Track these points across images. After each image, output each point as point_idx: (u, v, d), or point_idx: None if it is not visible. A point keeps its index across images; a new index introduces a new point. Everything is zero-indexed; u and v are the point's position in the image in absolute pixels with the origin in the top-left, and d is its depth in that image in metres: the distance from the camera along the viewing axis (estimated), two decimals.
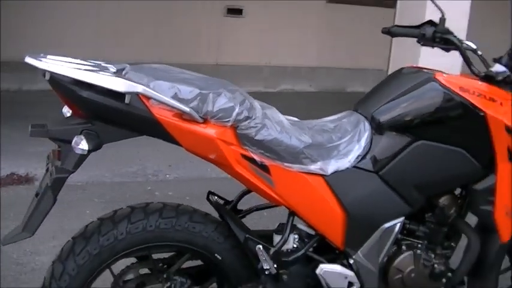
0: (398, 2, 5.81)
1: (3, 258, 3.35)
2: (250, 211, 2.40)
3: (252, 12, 8.58)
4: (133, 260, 2.23)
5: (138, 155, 5.26)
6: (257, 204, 2.45)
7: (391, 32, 2.83)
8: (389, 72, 5.36)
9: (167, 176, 5.01)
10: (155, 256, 2.22)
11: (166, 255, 2.27)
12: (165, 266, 2.22)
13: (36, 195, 1.95)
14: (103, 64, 1.92)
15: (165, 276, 2.13)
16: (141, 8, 7.88)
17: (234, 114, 1.95)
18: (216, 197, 2.33)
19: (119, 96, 1.81)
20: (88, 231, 2.04)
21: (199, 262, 2.29)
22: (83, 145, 1.80)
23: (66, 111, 2.00)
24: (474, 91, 2.33)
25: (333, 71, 9.06)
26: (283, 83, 8.72)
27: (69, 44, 7.25)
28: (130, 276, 2.19)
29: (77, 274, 2.01)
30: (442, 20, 2.56)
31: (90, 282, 2.07)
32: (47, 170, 1.98)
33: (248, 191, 2.39)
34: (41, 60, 1.79)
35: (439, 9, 2.53)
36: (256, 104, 2.06)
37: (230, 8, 8.47)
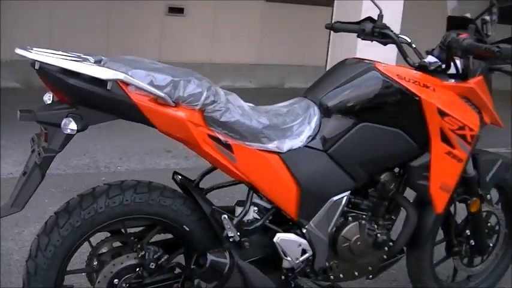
0: (335, 1, 6.08)
1: None
2: (211, 189, 2.63)
3: (193, 11, 8.74)
4: (107, 235, 2.45)
5: (88, 149, 5.39)
6: (217, 183, 2.69)
7: (334, 27, 3.11)
8: (328, 68, 5.67)
9: (118, 167, 5.18)
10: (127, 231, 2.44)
11: (136, 230, 2.47)
12: (136, 240, 2.43)
13: (24, 174, 2.15)
14: (83, 56, 2.12)
15: (139, 246, 2.35)
16: (84, 6, 7.97)
17: (202, 98, 2.19)
18: (180, 177, 2.57)
19: (101, 83, 2.03)
20: (70, 206, 2.25)
21: (166, 236, 2.52)
22: (72, 125, 2.01)
23: (47, 98, 2.17)
24: (410, 78, 2.61)
25: (272, 67, 9.30)
26: (224, 79, 8.90)
27: (20, 41, 7.33)
28: (105, 249, 2.40)
29: (61, 245, 2.20)
30: (380, 16, 2.85)
31: (72, 254, 2.27)
32: (33, 151, 2.17)
33: (209, 171, 2.63)
34: (31, 52, 1.99)
35: (377, 6, 2.81)
36: (220, 90, 2.30)
37: (171, 6, 8.63)
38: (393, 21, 5.21)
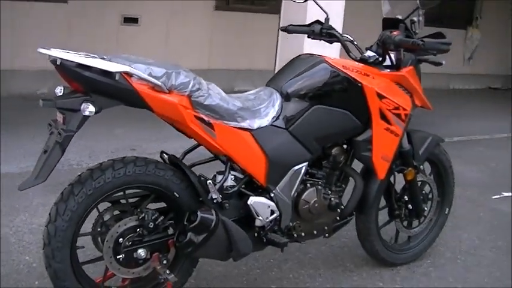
0: (282, 8, 6.56)
1: None
2: (192, 165, 3.10)
3: (146, 21, 9.11)
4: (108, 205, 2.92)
5: None
6: (197, 161, 3.18)
7: (288, 29, 3.64)
8: (277, 69, 6.17)
9: (90, 164, 5.59)
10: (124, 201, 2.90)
11: (133, 200, 2.92)
12: (134, 208, 2.89)
13: (45, 152, 2.60)
14: (90, 54, 2.60)
15: (138, 210, 2.83)
16: (41, 15, 8.27)
17: (190, 86, 2.70)
18: (166, 155, 3.04)
19: (110, 75, 2.50)
20: (82, 178, 2.70)
21: (158, 207, 2.99)
22: (91, 108, 2.49)
23: (58, 91, 2.58)
24: (353, 69, 3.19)
25: (222, 72, 9.61)
26: None
27: None
28: (107, 216, 2.86)
29: (76, 210, 2.65)
30: (327, 19, 3.41)
31: (84, 218, 2.73)
32: (51, 133, 2.62)
33: (190, 150, 3.13)
34: (50, 50, 2.48)
35: (323, 10, 3.36)
36: (202, 80, 2.81)
37: (126, 17, 8.99)
38: (334, 21, 5.73)
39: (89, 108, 2.50)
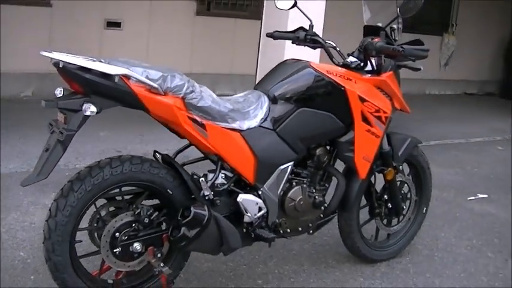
0: (263, 14, 6.69)
1: None
2: (183, 165, 3.24)
3: (129, 25, 9.21)
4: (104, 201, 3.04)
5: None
6: (186, 161, 3.31)
7: (274, 35, 3.78)
8: (258, 76, 6.31)
9: (77, 165, 5.68)
10: (119, 198, 3.03)
11: (128, 197, 3.06)
12: (128, 204, 3.02)
13: (46, 150, 2.73)
14: (89, 57, 2.72)
15: (134, 206, 2.97)
16: (25, 18, 8.33)
17: (184, 89, 2.85)
18: (158, 154, 3.17)
19: (109, 77, 2.65)
20: (81, 175, 2.84)
21: (152, 202, 3.14)
22: (93, 108, 2.63)
23: (58, 92, 2.72)
24: (336, 73, 3.35)
25: (203, 76, 9.59)
26: None
27: None
28: (103, 212, 2.98)
29: (76, 205, 2.79)
30: (311, 26, 3.57)
31: (83, 214, 2.86)
32: (52, 132, 2.74)
33: (182, 150, 3.27)
34: (52, 53, 2.61)
35: (307, 17, 3.53)
36: (195, 83, 2.96)
37: (109, 21, 9.07)
38: (316, 25, 5.86)
39: (91, 109, 2.64)
